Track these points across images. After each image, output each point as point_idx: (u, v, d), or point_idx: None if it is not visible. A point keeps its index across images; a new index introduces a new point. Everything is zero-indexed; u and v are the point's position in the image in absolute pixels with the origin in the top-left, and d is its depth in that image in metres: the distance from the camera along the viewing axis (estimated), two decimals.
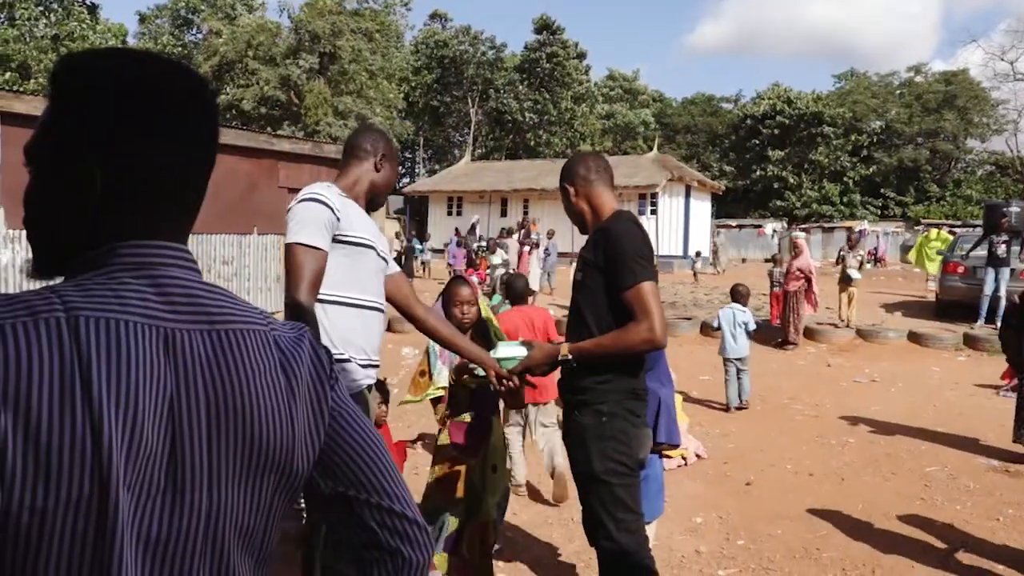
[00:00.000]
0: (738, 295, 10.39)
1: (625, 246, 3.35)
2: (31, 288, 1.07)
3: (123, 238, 1.12)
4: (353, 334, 3.39)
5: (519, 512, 6.24)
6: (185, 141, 1.17)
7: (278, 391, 1.17)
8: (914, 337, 14.77)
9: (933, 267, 20.80)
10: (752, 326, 10.24)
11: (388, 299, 3.63)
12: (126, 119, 1.11)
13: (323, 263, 3.21)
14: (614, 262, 3.35)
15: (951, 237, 21.94)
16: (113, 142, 1.10)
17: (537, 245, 23.36)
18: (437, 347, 4.34)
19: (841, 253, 17.08)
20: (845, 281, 15.86)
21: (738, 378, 10.04)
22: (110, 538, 0.97)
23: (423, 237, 34.00)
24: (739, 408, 9.99)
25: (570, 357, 3.41)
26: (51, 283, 1.10)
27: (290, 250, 3.19)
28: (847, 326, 15.61)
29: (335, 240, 3.29)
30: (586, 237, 3.62)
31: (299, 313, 3.06)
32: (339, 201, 3.34)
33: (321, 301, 3.25)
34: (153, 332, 1.06)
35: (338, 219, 3.30)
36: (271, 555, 1.24)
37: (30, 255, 1.18)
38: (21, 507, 0.93)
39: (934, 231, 22.78)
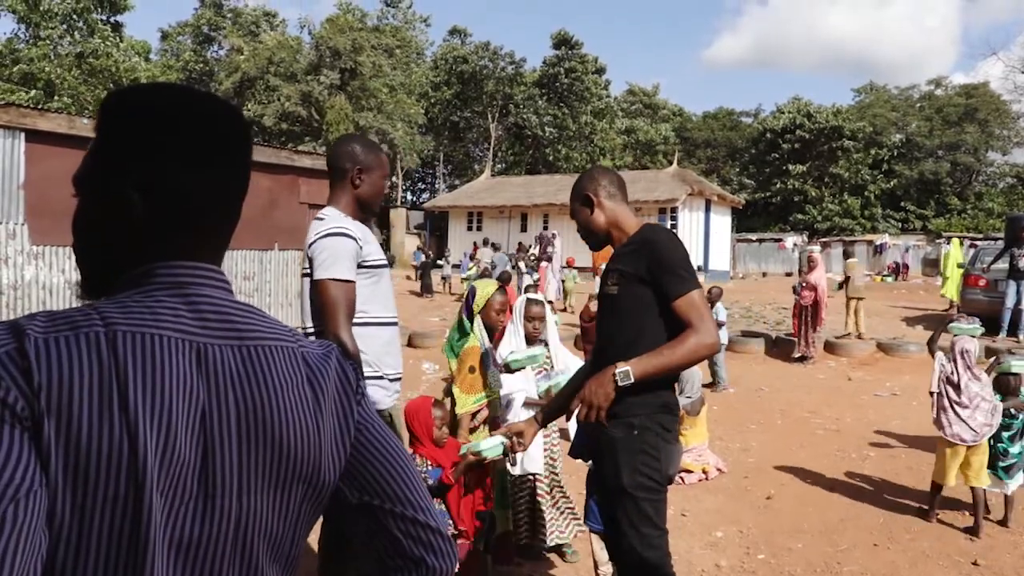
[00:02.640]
0: (712, 295, 12.34)
1: (671, 255, 3.29)
2: (53, 304, 1.13)
3: (161, 259, 1.18)
4: (384, 351, 3.50)
5: None
6: (218, 168, 1.23)
7: (305, 404, 1.22)
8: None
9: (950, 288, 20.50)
10: (723, 318, 12.39)
11: None
12: (161, 148, 1.18)
13: (354, 294, 3.31)
14: (661, 272, 3.26)
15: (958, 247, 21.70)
16: (149, 169, 1.17)
17: (550, 259, 23.37)
18: (489, 347, 4.69)
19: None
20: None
21: (713, 363, 11.94)
22: (144, 537, 1.03)
23: (443, 252, 34.02)
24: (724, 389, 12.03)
25: (631, 376, 3.14)
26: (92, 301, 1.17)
27: (325, 286, 3.27)
28: (858, 336, 15.93)
29: (359, 267, 3.39)
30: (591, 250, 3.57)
31: (342, 347, 3.12)
32: (358, 229, 3.44)
33: (354, 324, 3.34)
34: (186, 346, 1.12)
35: (361, 248, 3.40)
36: (298, 563, 1.29)
37: (77, 276, 1.26)
38: (64, 505, 0.99)
39: (956, 241, 22.44)
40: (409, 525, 1.30)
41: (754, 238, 45.89)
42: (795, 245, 40.88)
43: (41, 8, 36.21)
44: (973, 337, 6.63)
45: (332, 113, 43.23)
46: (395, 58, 49.75)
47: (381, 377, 3.50)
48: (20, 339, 1.01)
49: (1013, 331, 15.55)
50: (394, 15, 58.19)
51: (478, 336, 4.86)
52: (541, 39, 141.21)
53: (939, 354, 6.72)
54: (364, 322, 3.40)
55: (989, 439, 6.42)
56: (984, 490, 6.43)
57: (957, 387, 6.44)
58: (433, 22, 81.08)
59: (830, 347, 15.08)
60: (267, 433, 1.17)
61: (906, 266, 37.42)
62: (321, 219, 3.46)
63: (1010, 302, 15.59)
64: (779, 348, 15.50)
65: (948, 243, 23.37)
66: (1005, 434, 6.48)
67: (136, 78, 38.28)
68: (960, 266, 19.70)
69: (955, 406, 6.42)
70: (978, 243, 27.41)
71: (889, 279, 35.90)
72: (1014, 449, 6.49)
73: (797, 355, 14.65)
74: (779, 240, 43.93)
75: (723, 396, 11.41)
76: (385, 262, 3.59)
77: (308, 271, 3.42)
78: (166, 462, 1.05)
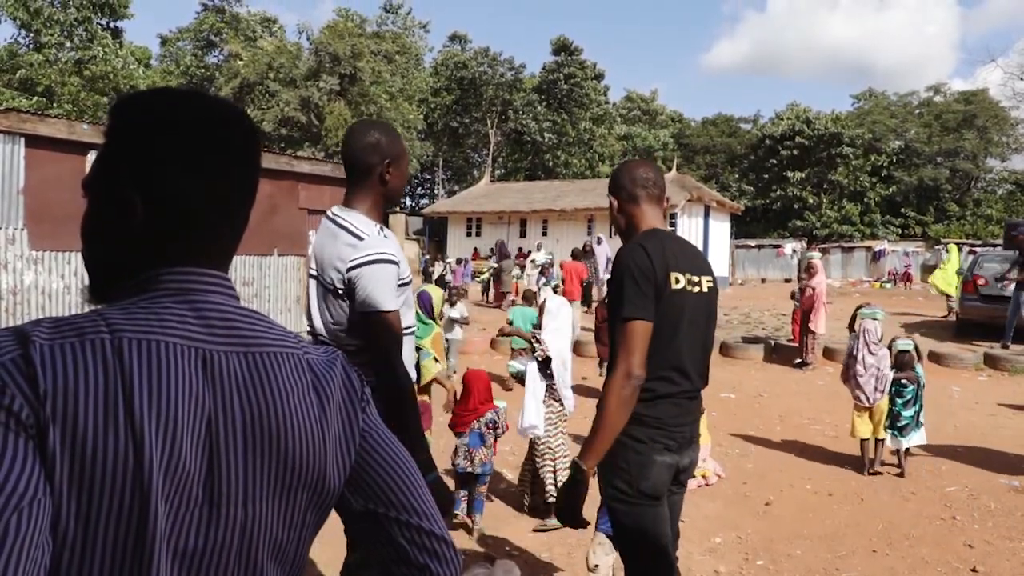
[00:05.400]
0: None
1: (625, 273, 3.12)
2: (52, 309, 1.12)
3: (165, 265, 1.18)
4: (408, 359, 3.45)
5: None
6: (222, 173, 1.23)
7: (310, 411, 1.22)
8: (934, 357, 14.65)
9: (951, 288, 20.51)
10: None
11: None
12: (163, 152, 1.18)
13: (399, 320, 3.20)
14: (615, 289, 3.18)
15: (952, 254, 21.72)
16: (151, 174, 1.17)
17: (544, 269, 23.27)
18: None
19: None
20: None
21: None
22: (149, 547, 1.02)
23: (443, 257, 34.04)
24: None
25: (581, 469, 3.06)
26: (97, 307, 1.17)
27: (379, 320, 3.12)
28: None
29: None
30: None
31: (403, 379, 3.09)
32: (396, 251, 3.24)
33: None
34: (192, 353, 1.12)
35: (399, 269, 3.25)
36: (302, 570, 1.29)
37: (86, 280, 1.25)
38: (69, 515, 0.98)
39: (954, 248, 22.45)
40: (414, 533, 1.29)
41: (753, 244, 45.83)
42: (794, 251, 40.89)
43: (43, 15, 36.26)
44: (875, 320, 8.21)
45: (331, 118, 43.28)
46: (395, 64, 49.81)
47: None
48: (25, 346, 1.00)
49: (1018, 338, 15.54)
50: (393, 21, 58.33)
51: (440, 327, 6.17)
52: (541, 45, 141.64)
53: (852, 334, 8.58)
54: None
55: (889, 403, 8.04)
56: (880, 441, 8.12)
57: (856, 360, 8.14)
58: (432, 28, 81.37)
59: (829, 353, 15.05)
60: (273, 440, 1.16)
61: (909, 274, 37.21)
62: (360, 237, 3.20)
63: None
64: (778, 354, 15.50)
65: (946, 250, 23.28)
66: (899, 400, 8.02)
67: (135, 84, 38.33)
68: (959, 273, 19.68)
69: (856, 375, 8.13)
70: (977, 249, 27.40)
71: (888, 285, 35.89)
72: (907, 412, 7.97)
73: (797, 361, 14.65)
74: (778, 246, 43.92)
75: (722, 402, 11.40)
76: (410, 276, 3.42)
77: (334, 286, 3.21)
78: (171, 470, 1.05)
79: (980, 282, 17.09)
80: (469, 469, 6.29)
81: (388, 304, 3.13)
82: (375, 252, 3.15)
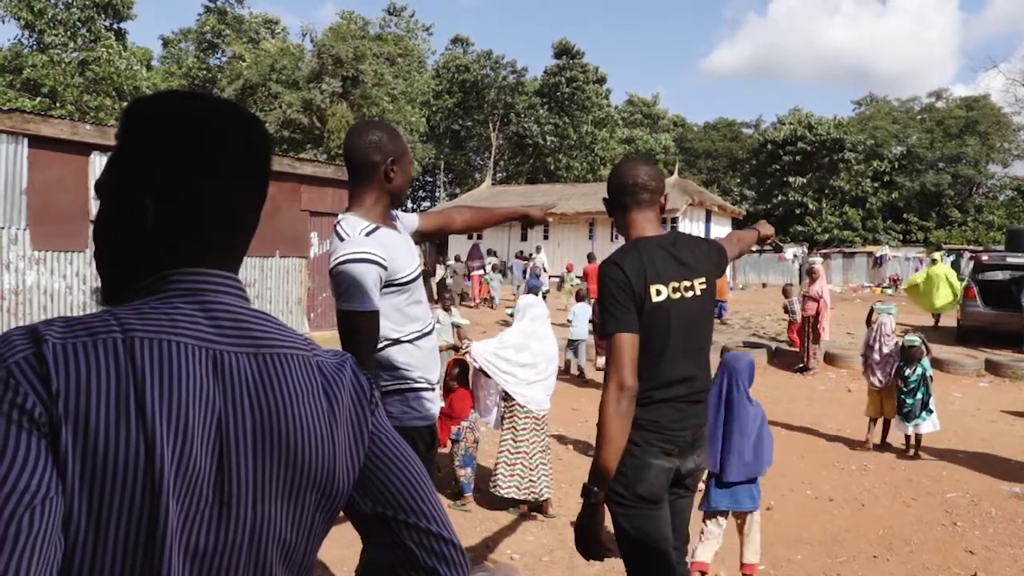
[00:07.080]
0: (581, 296, 14.59)
1: (605, 290, 3.15)
2: (54, 309, 1.13)
3: (176, 266, 1.19)
4: (431, 360, 3.41)
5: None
6: (233, 176, 1.23)
7: (320, 413, 1.22)
8: (935, 363, 14.56)
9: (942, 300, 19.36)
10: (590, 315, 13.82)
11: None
12: (175, 155, 1.18)
13: (377, 321, 3.13)
14: (600, 306, 3.20)
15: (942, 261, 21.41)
16: (164, 177, 1.18)
17: (483, 268, 23.64)
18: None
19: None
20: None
21: (576, 353, 14.01)
22: (160, 546, 1.02)
23: (444, 260, 34.09)
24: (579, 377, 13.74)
25: (595, 494, 3.03)
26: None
27: (345, 317, 3.08)
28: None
29: (387, 287, 3.19)
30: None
31: None
32: (382, 249, 3.16)
33: (399, 342, 3.27)
34: (202, 353, 1.12)
35: (386, 268, 3.15)
36: (311, 573, 1.29)
37: (98, 283, 1.26)
38: (80, 512, 0.99)
39: (937, 255, 22.15)
40: (422, 536, 1.29)
41: (754, 249, 45.52)
42: (795, 256, 40.87)
43: (46, 16, 36.30)
44: (890, 315, 9.70)
45: (334, 121, 43.29)
46: (397, 66, 49.82)
47: (431, 388, 3.41)
48: (38, 344, 1.01)
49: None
50: (396, 24, 58.31)
51: None
52: (543, 48, 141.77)
53: (869, 327, 9.85)
54: (412, 338, 3.31)
55: (896, 392, 8.98)
56: (888, 421, 9.33)
57: (872, 349, 9.37)
58: (435, 31, 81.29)
59: (830, 358, 15.04)
60: (282, 441, 1.17)
61: (899, 279, 36.95)
62: (342, 238, 3.19)
63: None
64: (780, 359, 15.49)
65: (932, 260, 22.39)
66: (904, 388, 8.88)
67: (138, 86, 38.37)
68: (961, 278, 19.57)
69: (872, 364, 9.33)
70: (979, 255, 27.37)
71: (889, 291, 35.84)
72: (910, 400, 8.81)
73: (799, 366, 14.64)
74: (779, 251, 43.87)
75: None
76: (414, 273, 3.36)
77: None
78: (182, 469, 1.05)
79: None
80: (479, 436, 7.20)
81: (360, 304, 3.07)
82: (351, 252, 3.11)
